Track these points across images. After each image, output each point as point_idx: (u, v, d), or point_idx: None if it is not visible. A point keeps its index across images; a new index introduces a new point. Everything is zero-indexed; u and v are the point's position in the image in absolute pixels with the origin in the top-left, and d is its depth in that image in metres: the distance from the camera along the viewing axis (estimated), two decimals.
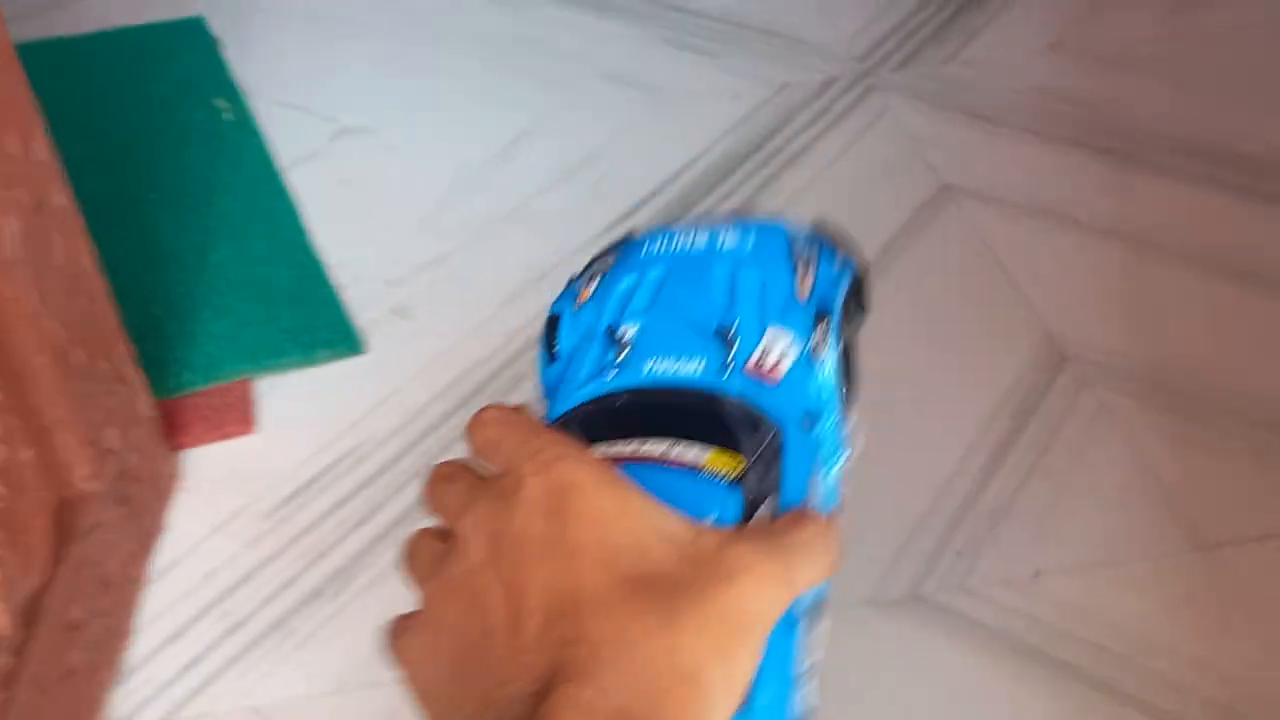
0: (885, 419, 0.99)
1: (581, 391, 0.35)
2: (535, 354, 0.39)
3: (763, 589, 0.29)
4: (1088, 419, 1.00)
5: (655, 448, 0.33)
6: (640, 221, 1.19)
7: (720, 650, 0.28)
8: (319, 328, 1.05)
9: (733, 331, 0.35)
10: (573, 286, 0.39)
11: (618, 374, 0.35)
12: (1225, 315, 1.10)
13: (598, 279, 0.38)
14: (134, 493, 0.86)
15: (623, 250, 0.39)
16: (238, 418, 0.98)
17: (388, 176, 1.25)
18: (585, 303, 0.37)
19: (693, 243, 0.39)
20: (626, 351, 0.36)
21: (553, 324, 0.38)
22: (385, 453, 0.97)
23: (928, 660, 0.84)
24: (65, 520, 0.76)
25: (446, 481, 0.33)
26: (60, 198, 0.77)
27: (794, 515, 0.33)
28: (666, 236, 0.39)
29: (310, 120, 1.31)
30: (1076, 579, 0.89)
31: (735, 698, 0.28)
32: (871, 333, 1.17)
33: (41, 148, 0.75)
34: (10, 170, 0.69)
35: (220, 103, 1.31)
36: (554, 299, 0.39)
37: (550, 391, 0.37)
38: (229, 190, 1.20)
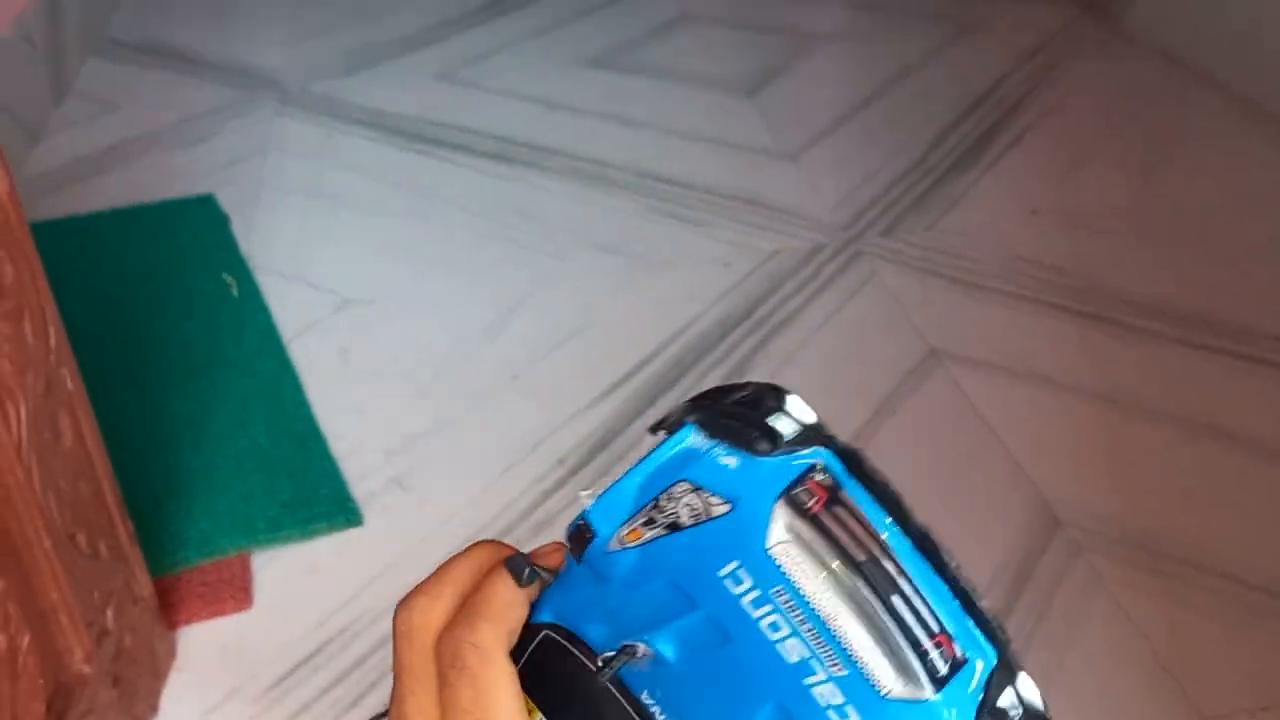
0: None
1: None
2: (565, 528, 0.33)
3: None
4: (1081, 585, 1.00)
5: None
6: (636, 386, 1.21)
7: None
8: (318, 500, 1.06)
9: None
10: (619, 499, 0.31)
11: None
12: (1208, 475, 1.12)
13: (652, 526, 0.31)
14: (128, 674, 0.85)
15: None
16: (234, 594, 0.98)
17: (387, 346, 1.28)
18: (630, 547, 0.31)
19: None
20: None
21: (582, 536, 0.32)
22: (379, 630, 0.96)
23: None
24: (59, 706, 0.75)
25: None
26: (70, 381, 0.79)
27: None
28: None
29: (313, 292, 1.35)
30: None
31: None
32: None
33: (55, 333, 0.77)
34: (24, 356, 0.72)
35: (227, 277, 1.35)
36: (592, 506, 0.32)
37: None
38: (233, 363, 1.23)
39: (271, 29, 1.97)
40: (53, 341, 0.77)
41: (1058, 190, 1.56)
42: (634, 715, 0.30)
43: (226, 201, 1.49)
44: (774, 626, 0.28)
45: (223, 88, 1.78)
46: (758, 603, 0.28)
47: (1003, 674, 0.28)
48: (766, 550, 0.28)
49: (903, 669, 0.27)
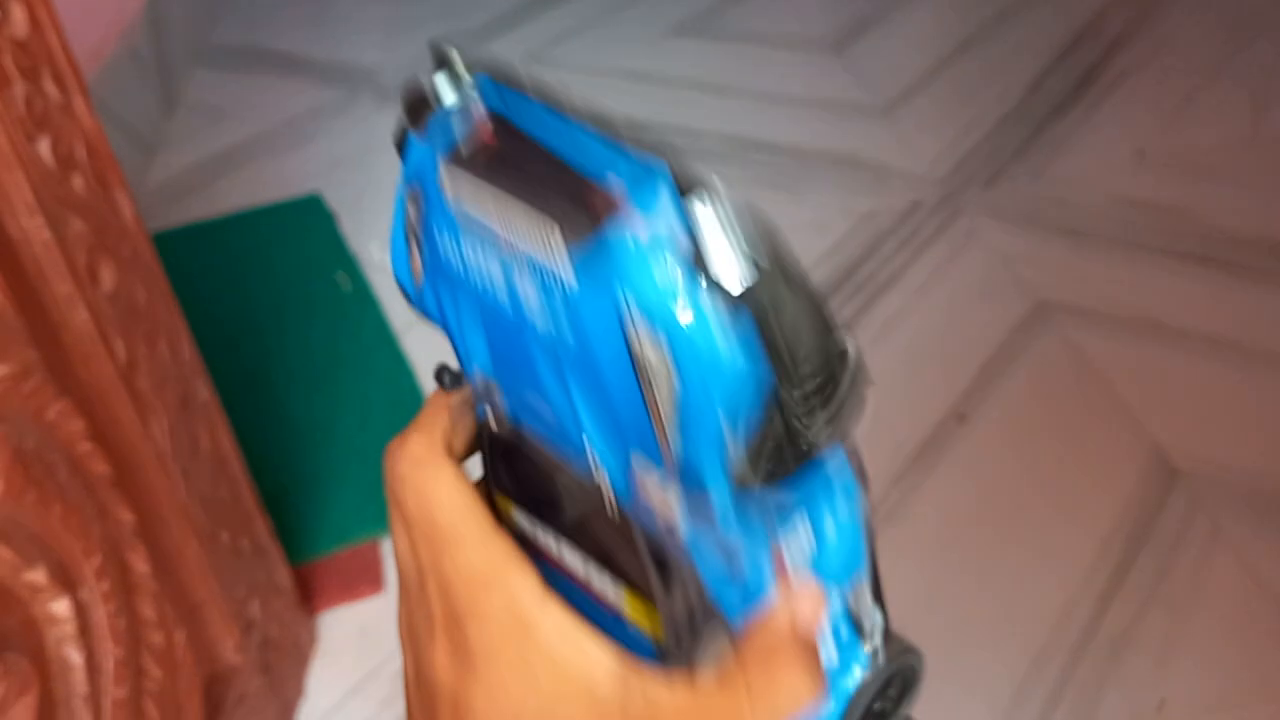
0: (997, 550, 0.99)
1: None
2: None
3: None
4: (1203, 541, 0.98)
5: (574, 561, 0.29)
6: None
7: None
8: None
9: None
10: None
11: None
12: None
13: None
14: (275, 661, 0.91)
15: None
16: (368, 578, 1.03)
17: None
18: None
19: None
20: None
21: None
22: None
23: None
24: (215, 694, 0.81)
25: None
26: (203, 392, 0.84)
27: (752, 648, 0.28)
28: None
29: None
30: (1203, 711, 0.86)
31: None
32: (978, 455, 1.18)
33: (187, 348, 0.82)
34: (161, 375, 0.77)
35: (339, 275, 1.41)
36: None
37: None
38: (350, 360, 1.28)
39: (367, 28, 2.02)
40: (185, 356, 0.82)
41: (1166, 129, 1.51)
42: (551, 457, 0.28)
43: (333, 199, 1.54)
44: (487, 275, 0.27)
45: (324, 88, 1.84)
46: (477, 266, 0.27)
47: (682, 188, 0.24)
48: (451, 217, 0.27)
49: (563, 216, 0.24)
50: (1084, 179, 1.43)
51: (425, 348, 1.29)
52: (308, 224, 1.51)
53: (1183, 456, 1.06)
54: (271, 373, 1.26)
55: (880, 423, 1.14)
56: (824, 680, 0.29)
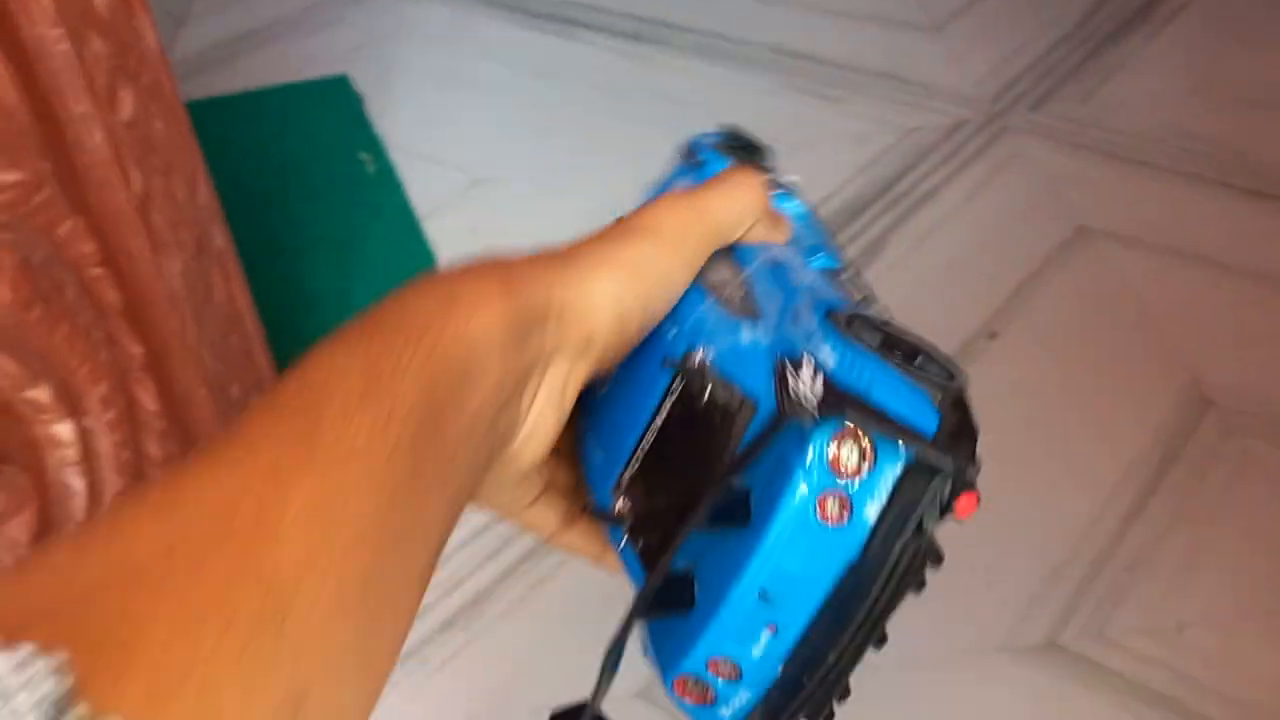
0: (1023, 463, 0.97)
1: None
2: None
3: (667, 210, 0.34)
4: (1232, 466, 0.96)
5: None
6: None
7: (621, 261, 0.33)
8: None
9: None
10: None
11: None
12: None
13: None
14: None
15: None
16: None
17: (517, 225, 1.29)
18: None
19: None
20: None
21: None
22: None
23: (1063, 710, 0.81)
24: None
25: None
26: (220, 239, 0.82)
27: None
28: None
29: (445, 172, 1.37)
30: (1221, 632, 0.85)
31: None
32: (1006, 374, 1.16)
33: (204, 192, 0.80)
34: (176, 213, 0.75)
35: (363, 155, 1.38)
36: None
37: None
38: (372, 238, 1.25)
39: None
40: (202, 199, 0.79)
41: (1225, 60, 1.46)
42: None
43: (360, 83, 1.51)
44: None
45: None
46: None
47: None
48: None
49: None
50: (1137, 106, 1.38)
51: (447, 234, 1.26)
52: (334, 104, 1.48)
53: (1217, 388, 1.03)
54: (291, 243, 1.24)
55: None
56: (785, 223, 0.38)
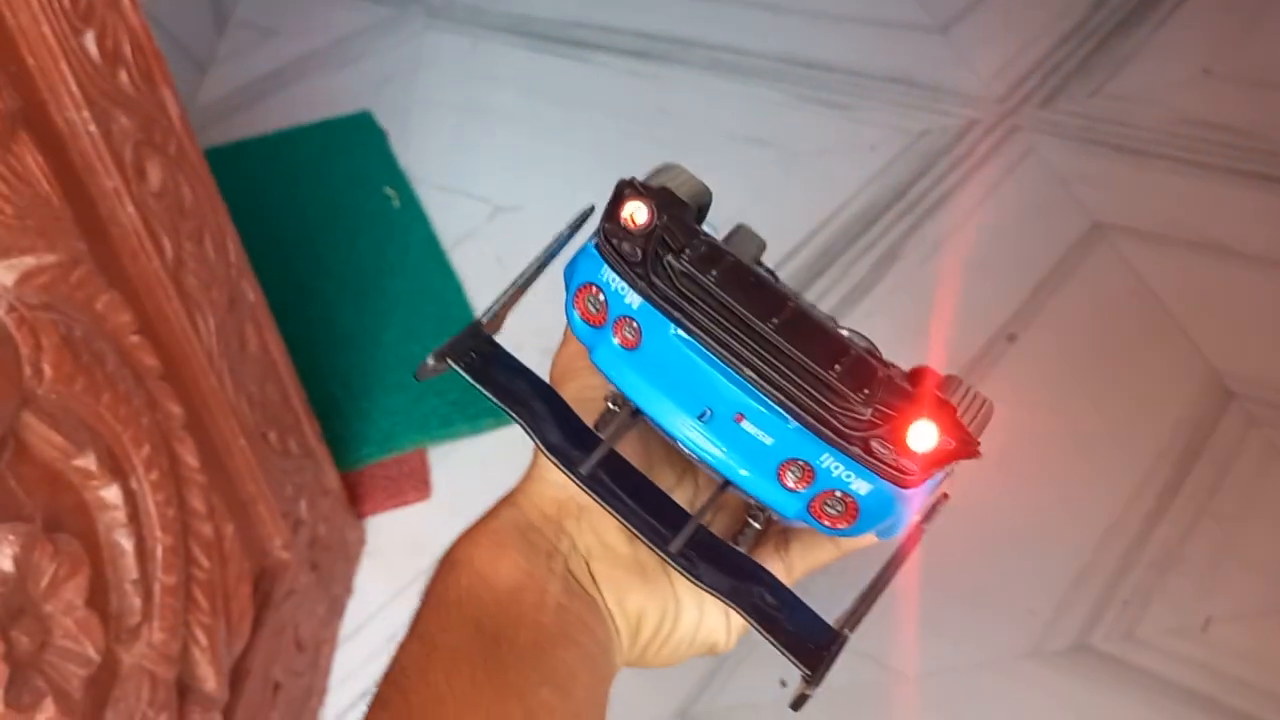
0: (1046, 466, 0.98)
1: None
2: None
3: None
4: (1256, 457, 0.97)
5: None
6: (785, 276, 1.22)
7: None
8: (484, 398, 1.11)
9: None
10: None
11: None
12: None
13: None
14: (324, 560, 0.93)
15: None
16: (415, 485, 1.05)
17: (538, 251, 1.31)
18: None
19: None
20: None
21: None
22: None
23: (1095, 713, 0.83)
24: (265, 588, 0.83)
25: None
26: (250, 293, 0.85)
27: None
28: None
29: (468, 202, 1.40)
30: (1250, 627, 0.85)
31: None
32: (1027, 374, 1.17)
33: (234, 249, 0.83)
34: (208, 274, 0.78)
35: (389, 190, 1.41)
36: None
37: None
38: (399, 272, 1.29)
39: None
40: (232, 257, 0.82)
41: (1233, 48, 1.46)
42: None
43: (382, 117, 1.54)
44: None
45: (374, 6, 1.83)
46: None
47: None
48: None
49: None
50: (1147, 98, 1.39)
51: (473, 263, 1.29)
52: (358, 140, 1.51)
53: (1239, 380, 1.03)
54: (321, 285, 1.27)
55: (927, 341, 1.12)
56: None
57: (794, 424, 0.33)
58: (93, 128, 0.65)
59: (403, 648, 0.34)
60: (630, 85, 1.56)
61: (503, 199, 1.40)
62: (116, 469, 0.64)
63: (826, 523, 0.34)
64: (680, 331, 0.34)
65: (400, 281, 1.27)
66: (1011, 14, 1.58)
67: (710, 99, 1.51)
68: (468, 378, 0.37)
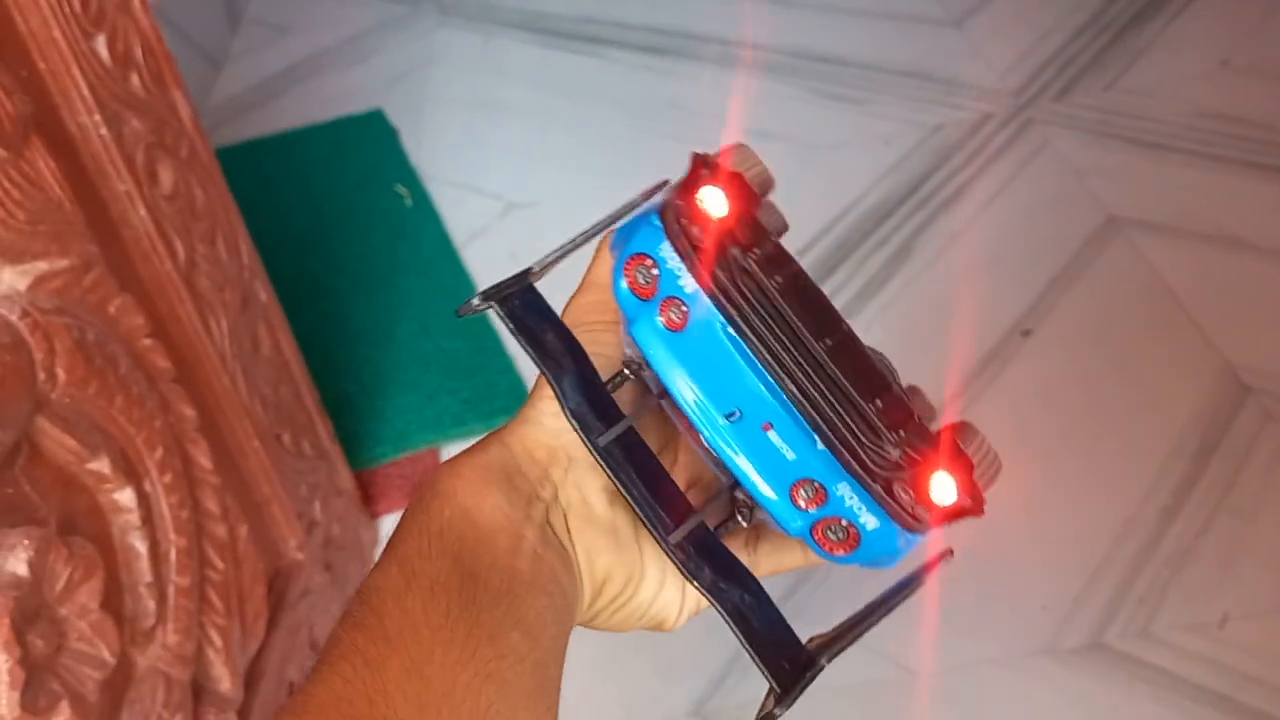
0: (1062, 462, 0.98)
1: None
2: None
3: None
4: (1274, 453, 0.96)
5: None
6: None
7: None
8: (497, 395, 1.12)
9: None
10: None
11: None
12: None
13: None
14: (338, 560, 0.93)
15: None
16: None
17: (552, 247, 1.31)
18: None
19: None
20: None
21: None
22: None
23: (1110, 710, 0.82)
24: (279, 588, 0.83)
25: None
26: (263, 294, 0.86)
27: None
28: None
29: (480, 199, 1.40)
30: (1267, 624, 0.85)
31: None
32: (1041, 372, 1.16)
33: (246, 250, 0.83)
34: (220, 275, 0.78)
35: (400, 188, 1.41)
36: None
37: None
38: (411, 270, 1.29)
39: None
40: (245, 258, 0.83)
41: (1251, 38, 1.44)
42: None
43: (394, 114, 1.55)
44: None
45: (386, 3, 1.83)
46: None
47: None
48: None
49: None
50: (1163, 90, 1.38)
51: (485, 260, 1.29)
52: (370, 138, 1.51)
53: (1255, 374, 1.03)
54: (334, 282, 1.28)
55: (942, 337, 1.12)
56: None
57: (821, 446, 0.32)
58: (104, 131, 0.66)
59: (380, 569, 0.33)
60: (643, 81, 1.56)
61: (515, 195, 1.40)
62: (130, 472, 0.64)
63: (825, 547, 0.34)
64: (730, 329, 0.33)
65: (413, 278, 1.28)
66: (1026, 7, 1.57)
67: (723, 94, 1.50)
68: (507, 322, 0.36)
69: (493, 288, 0.37)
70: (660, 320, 0.34)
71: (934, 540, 0.34)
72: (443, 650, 0.30)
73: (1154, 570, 0.90)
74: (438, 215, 1.37)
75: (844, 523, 0.33)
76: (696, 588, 0.35)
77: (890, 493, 0.32)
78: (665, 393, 0.34)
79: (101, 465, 0.62)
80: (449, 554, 0.33)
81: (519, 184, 1.42)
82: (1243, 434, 0.98)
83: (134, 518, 0.64)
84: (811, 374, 0.32)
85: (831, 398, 0.32)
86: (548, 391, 0.36)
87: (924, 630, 0.87)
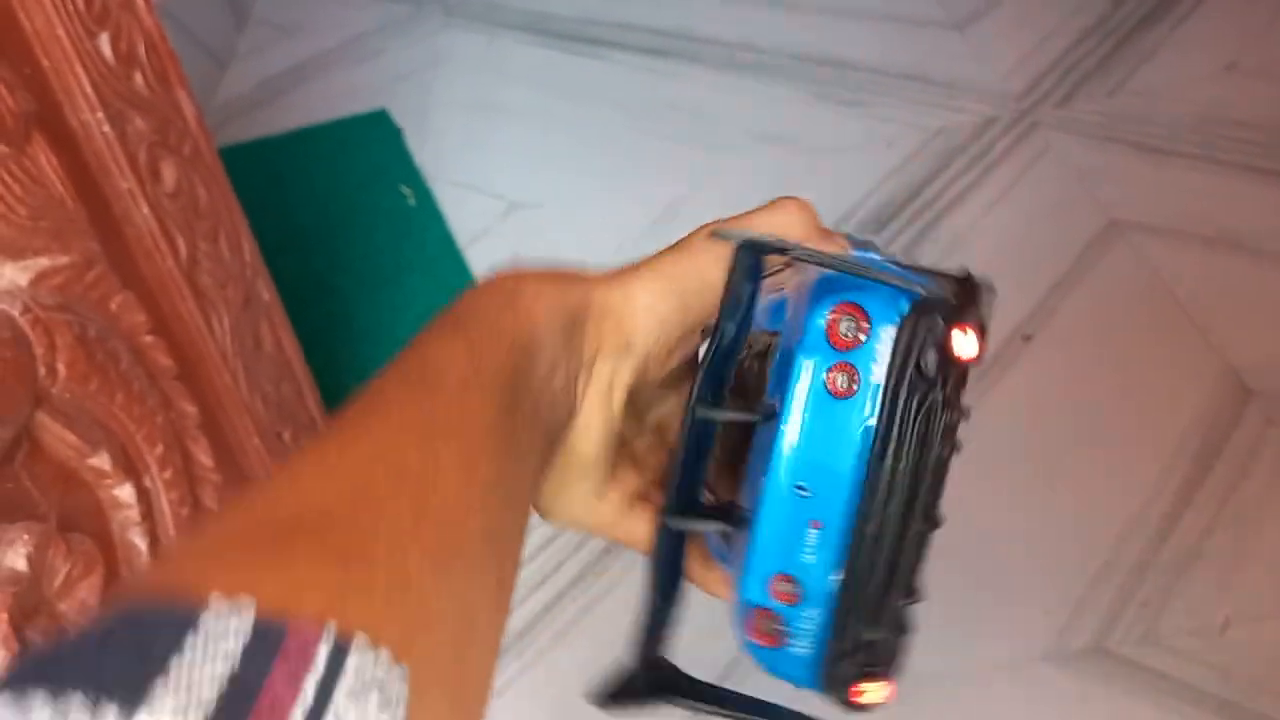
0: (1064, 466, 0.97)
1: None
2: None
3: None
4: (1276, 458, 0.96)
5: None
6: None
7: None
8: None
9: None
10: None
11: None
12: None
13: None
14: None
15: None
16: None
17: (556, 248, 1.31)
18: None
19: None
20: None
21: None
22: None
23: (1110, 715, 0.82)
24: None
25: None
26: (265, 292, 0.86)
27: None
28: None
29: (484, 199, 1.40)
30: (1270, 628, 0.85)
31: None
32: (1044, 374, 1.16)
33: (248, 248, 0.84)
34: (223, 273, 0.78)
35: (404, 188, 1.41)
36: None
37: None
38: (415, 269, 1.29)
39: None
40: (247, 256, 0.83)
41: (1258, 43, 1.44)
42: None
43: (398, 114, 1.55)
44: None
45: (391, 3, 1.83)
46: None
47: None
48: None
49: None
50: (1168, 94, 1.37)
51: (489, 260, 1.30)
52: (374, 138, 1.52)
53: (1257, 377, 1.02)
54: (338, 281, 1.28)
55: None
56: (840, 240, 0.39)
57: (834, 579, 0.32)
58: (107, 129, 0.66)
59: (444, 345, 0.32)
60: (646, 83, 1.56)
61: (518, 196, 1.40)
62: (130, 468, 0.65)
63: (748, 624, 0.34)
64: (873, 442, 0.31)
65: (416, 278, 1.28)
66: (1030, 10, 1.56)
67: (729, 97, 1.50)
68: (746, 257, 0.35)
69: (748, 241, 0.35)
70: (828, 372, 0.32)
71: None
72: (490, 446, 0.29)
73: (1156, 575, 0.90)
74: (441, 215, 1.37)
75: (784, 629, 0.33)
76: (648, 568, 0.35)
77: (836, 661, 0.33)
78: (768, 417, 0.33)
79: (102, 461, 0.62)
80: (510, 365, 0.31)
81: (522, 184, 1.42)
82: (1245, 438, 0.98)
83: (134, 514, 0.65)
84: (889, 533, 0.31)
85: (883, 564, 0.32)
86: (653, 284, 0.35)
87: (924, 632, 0.87)
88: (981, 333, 0.32)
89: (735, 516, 0.35)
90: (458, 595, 0.27)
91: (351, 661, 0.21)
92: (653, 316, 0.35)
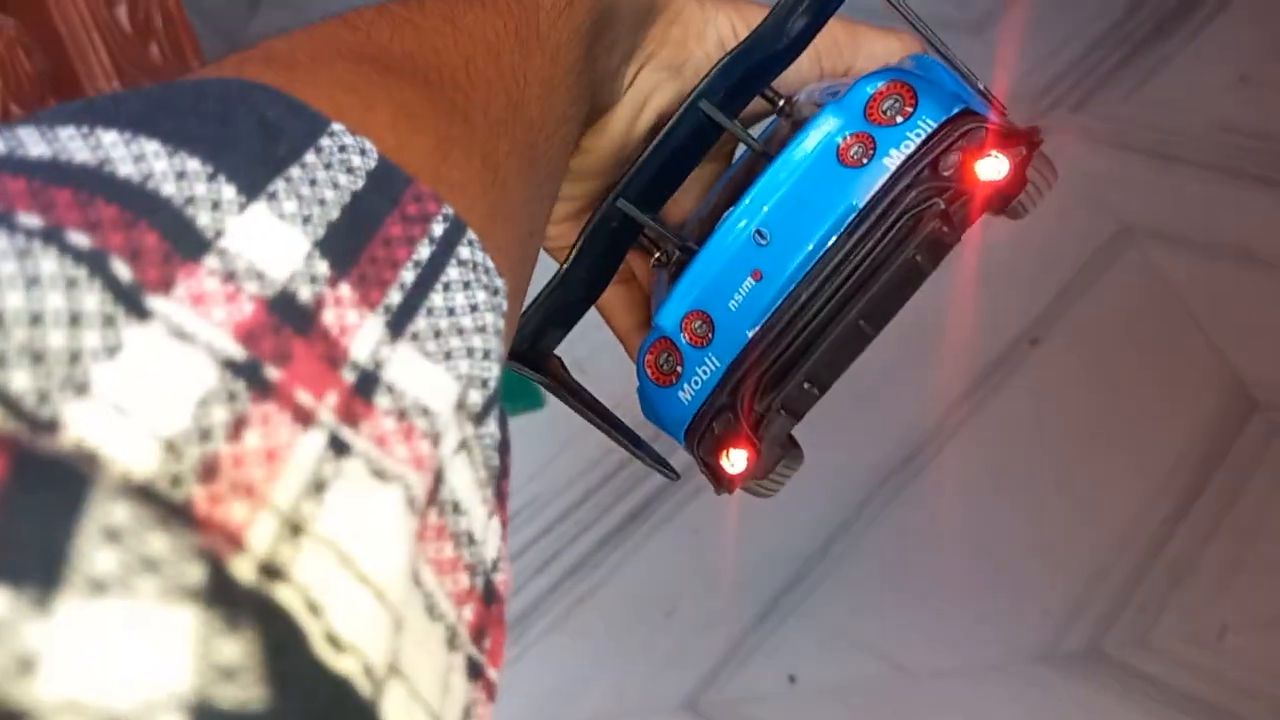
0: (1067, 469, 0.97)
1: None
2: None
3: None
4: (1278, 466, 0.96)
5: None
6: None
7: None
8: (505, 385, 1.11)
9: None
10: None
11: None
12: None
13: None
14: None
15: None
16: None
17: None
18: None
19: None
20: None
21: None
22: (563, 501, 1.02)
23: (1104, 719, 0.82)
24: None
25: None
26: None
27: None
28: None
29: None
30: (1266, 637, 0.85)
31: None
32: (1048, 380, 1.16)
33: None
34: None
35: None
36: None
37: None
38: None
39: None
40: None
41: (1271, 55, 1.44)
42: None
43: None
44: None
45: None
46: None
47: None
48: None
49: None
50: (1181, 102, 1.37)
51: None
52: None
53: (1263, 388, 1.02)
54: None
55: (948, 344, 1.12)
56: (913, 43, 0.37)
57: (745, 337, 0.32)
58: None
59: None
60: None
61: None
62: None
63: (646, 362, 0.34)
64: (851, 219, 0.31)
65: None
66: (1046, 15, 1.56)
67: None
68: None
69: None
70: (848, 137, 0.30)
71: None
72: (566, 86, 0.29)
73: (1154, 580, 0.90)
74: None
75: (679, 369, 0.32)
76: (575, 246, 0.35)
77: (712, 414, 0.32)
78: (762, 157, 0.32)
79: None
80: (596, 14, 0.30)
81: None
82: (1248, 447, 0.98)
83: None
84: (822, 309, 0.31)
85: (801, 337, 0.31)
86: (736, 17, 0.34)
87: (922, 631, 0.87)
88: (1020, 173, 0.31)
89: (687, 249, 0.33)
90: (529, 203, 0.26)
91: (464, 251, 0.20)
92: (720, 52, 0.33)
